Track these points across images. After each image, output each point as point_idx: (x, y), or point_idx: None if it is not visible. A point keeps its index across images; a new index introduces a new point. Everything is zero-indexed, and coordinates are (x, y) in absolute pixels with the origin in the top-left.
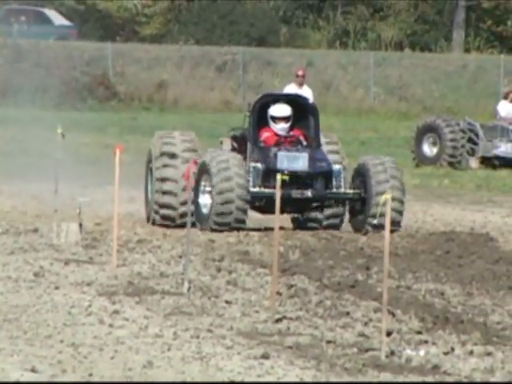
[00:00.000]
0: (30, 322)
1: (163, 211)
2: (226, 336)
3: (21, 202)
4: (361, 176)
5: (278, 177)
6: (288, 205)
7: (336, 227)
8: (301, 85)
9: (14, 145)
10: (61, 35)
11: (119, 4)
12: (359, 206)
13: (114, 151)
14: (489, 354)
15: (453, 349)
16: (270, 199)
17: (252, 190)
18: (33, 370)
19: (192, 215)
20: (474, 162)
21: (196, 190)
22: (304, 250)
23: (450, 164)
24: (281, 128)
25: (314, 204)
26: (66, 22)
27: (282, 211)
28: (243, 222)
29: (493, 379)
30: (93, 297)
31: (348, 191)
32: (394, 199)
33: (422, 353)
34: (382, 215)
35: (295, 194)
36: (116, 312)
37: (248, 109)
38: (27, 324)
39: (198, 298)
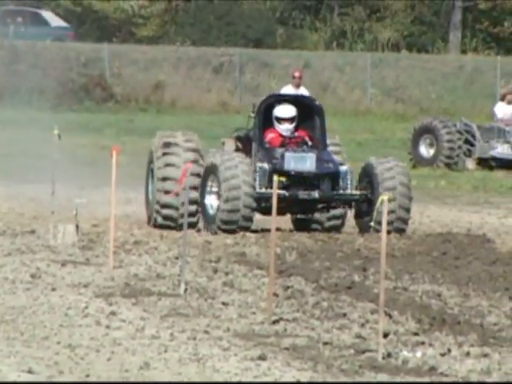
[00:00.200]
0: (26, 323)
1: (165, 211)
2: (223, 337)
3: (18, 203)
4: (368, 177)
5: (275, 178)
6: (295, 206)
7: (338, 228)
8: (298, 86)
9: (10, 146)
10: (57, 36)
11: (116, 5)
12: (365, 208)
13: (110, 153)
14: (485, 355)
15: (449, 350)
16: (277, 200)
17: (258, 190)
18: (30, 372)
19: (192, 216)
20: (470, 164)
21: (202, 191)
22: (301, 251)
23: (447, 165)
24: (285, 129)
25: (321, 205)
26: (62, 24)
27: (289, 212)
28: (248, 228)
29: (489, 380)
30: (89, 298)
31: (354, 192)
32: (400, 207)
33: (418, 354)
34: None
35: (302, 194)
36: (113, 313)
37: (253, 110)
38: (24, 325)
39: (194, 300)
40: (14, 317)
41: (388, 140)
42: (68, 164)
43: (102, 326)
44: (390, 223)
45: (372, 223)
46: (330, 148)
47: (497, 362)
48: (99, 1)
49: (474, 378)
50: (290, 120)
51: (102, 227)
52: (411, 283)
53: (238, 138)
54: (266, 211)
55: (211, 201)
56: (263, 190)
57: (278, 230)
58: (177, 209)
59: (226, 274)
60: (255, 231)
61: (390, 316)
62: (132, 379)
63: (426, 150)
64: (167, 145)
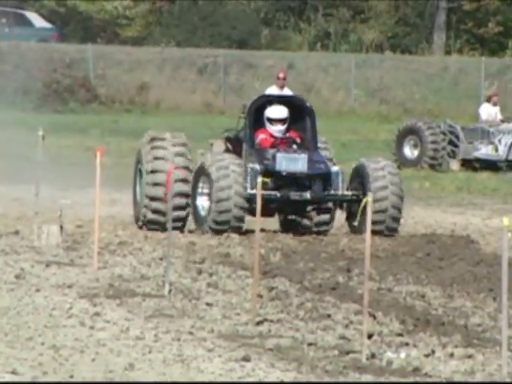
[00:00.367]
0: (10, 324)
1: (154, 205)
2: (207, 338)
3: (2, 204)
4: (359, 178)
5: (259, 179)
6: (286, 206)
7: (326, 229)
8: (282, 87)
9: None
10: (42, 37)
11: (100, 6)
12: (357, 208)
13: (94, 153)
14: (469, 356)
15: (433, 351)
16: (268, 201)
17: (249, 191)
18: (14, 372)
19: (187, 218)
20: (454, 165)
21: (193, 192)
22: (285, 252)
23: (431, 166)
24: (277, 130)
25: (312, 206)
26: (46, 25)
27: (281, 213)
28: (240, 229)
29: (473, 381)
30: (74, 299)
31: (346, 193)
32: (392, 206)
33: (402, 355)
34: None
35: (294, 195)
36: (97, 314)
37: (243, 110)
38: (8, 326)
39: (178, 301)
40: None
41: (372, 141)
42: (52, 165)
43: (87, 326)
44: (381, 222)
45: (356, 223)
46: (319, 145)
47: (481, 363)
48: (83, 1)
49: (457, 378)
50: (282, 121)
51: (87, 228)
52: (395, 284)
53: (228, 139)
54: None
55: (202, 202)
56: (254, 191)
57: (262, 230)
58: (166, 202)
59: (211, 274)
60: (239, 232)
61: (374, 317)
62: (116, 380)
63: (410, 151)
64: (154, 140)
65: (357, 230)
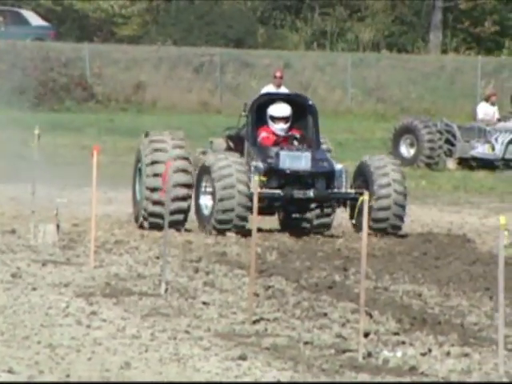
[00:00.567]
0: (7, 323)
1: (155, 196)
2: (204, 337)
3: None
4: (362, 176)
5: (256, 178)
6: (290, 205)
7: (327, 226)
8: (279, 86)
9: None
10: (38, 36)
11: (96, 5)
12: (360, 206)
13: (91, 152)
14: (466, 355)
15: (430, 350)
16: (272, 199)
17: (253, 190)
18: (10, 371)
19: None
20: (451, 163)
21: (197, 191)
22: (281, 251)
23: (428, 165)
24: (280, 128)
25: (315, 204)
26: (43, 23)
27: (284, 211)
28: (243, 227)
29: (470, 380)
30: (70, 298)
31: (349, 191)
32: (395, 204)
33: (399, 354)
34: (379, 218)
35: (297, 193)
36: (93, 313)
37: (244, 108)
38: (4, 325)
39: (175, 299)
40: None
41: (369, 140)
42: (49, 164)
43: (83, 325)
44: (385, 220)
45: (353, 221)
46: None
47: (477, 362)
48: (80, 0)
49: (454, 377)
50: (285, 119)
51: (83, 227)
52: (392, 283)
53: (230, 137)
54: (260, 211)
55: (206, 201)
56: (258, 190)
57: (258, 229)
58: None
59: (207, 273)
60: (236, 231)
61: (371, 316)
62: (113, 379)
63: (406, 150)
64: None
65: (359, 229)
